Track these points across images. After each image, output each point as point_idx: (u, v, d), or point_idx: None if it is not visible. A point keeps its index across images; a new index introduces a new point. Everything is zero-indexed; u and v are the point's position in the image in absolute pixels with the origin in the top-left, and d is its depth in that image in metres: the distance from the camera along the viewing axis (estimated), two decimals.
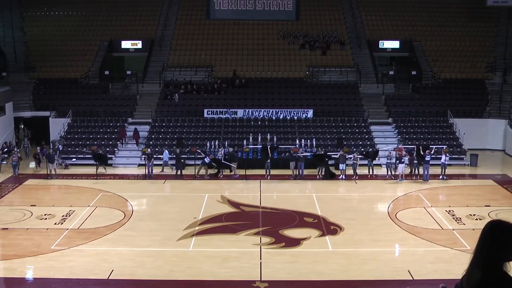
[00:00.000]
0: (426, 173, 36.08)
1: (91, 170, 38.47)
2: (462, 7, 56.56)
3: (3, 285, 21.91)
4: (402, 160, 36.39)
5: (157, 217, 29.45)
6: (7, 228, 27.51)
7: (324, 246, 25.10)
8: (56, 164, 38.29)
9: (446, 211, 29.73)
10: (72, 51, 52.37)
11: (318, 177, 37.22)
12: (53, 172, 37.42)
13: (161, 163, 38.90)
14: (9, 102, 44.94)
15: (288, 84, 49.25)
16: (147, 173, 37.26)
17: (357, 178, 36.45)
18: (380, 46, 53.41)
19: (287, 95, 47.80)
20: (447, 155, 37.29)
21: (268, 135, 41.86)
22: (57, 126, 44.37)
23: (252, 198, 32.62)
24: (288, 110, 45.25)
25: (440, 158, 37.23)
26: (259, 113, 45.13)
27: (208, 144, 40.81)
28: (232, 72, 49.98)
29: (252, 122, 44.60)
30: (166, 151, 39.11)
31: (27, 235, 26.55)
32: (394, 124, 44.55)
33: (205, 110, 45.35)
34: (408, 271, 22.23)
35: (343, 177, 36.65)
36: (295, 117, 44.93)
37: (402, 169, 36.39)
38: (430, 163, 36.27)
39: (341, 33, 54.36)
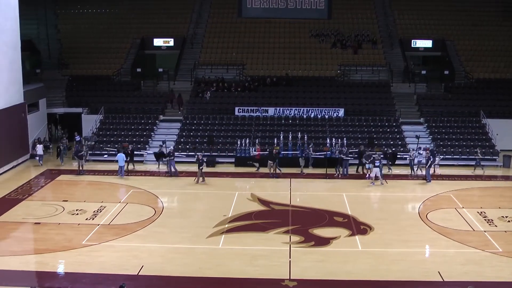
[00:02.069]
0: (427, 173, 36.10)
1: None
2: (496, 5, 55.90)
3: (35, 279, 22.21)
4: (376, 164, 35.71)
5: (187, 214, 29.58)
6: (39, 223, 27.87)
7: (354, 246, 25.02)
8: (85, 160, 38.73)
9: (477, 212, 29.41)
10: (105, 48, 52.81)
11: (337, 175, 37.12)
12: (80, 168, 37.88)
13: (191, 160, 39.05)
14: (43, 98, 45.41)
15: (320, 82, 49.11)
16: (168, 171, 37.52)
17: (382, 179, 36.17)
18: (412, 45, 52.97)
19: (318, 93, 47.66)
20: (429, 155, 36.72)
21: (299, 134, 41.76)
22: (89, 123, 44.78)
23: (282, 196, 32.57)
24: (319, 109, 45.10)
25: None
26: (290, 111, 45.05)
27: (238, 142, 40.85)
28: (265, 71, 50.02)
29: (283, 121, 44.52)
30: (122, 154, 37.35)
31: (58, 230, 26.86)
32: (426, 124, 44.16)
33: (236, 108, 45.41)
34: (438, 272, 22.06)
35: (368, 176, 36.40)
36: (326, 116, 44.78)
37: (375, 172, 35.82)
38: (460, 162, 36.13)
39: (373, 32, 54.06)
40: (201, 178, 35.53)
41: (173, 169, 37.29)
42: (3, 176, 37.05)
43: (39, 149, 40.25)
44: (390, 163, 38.21)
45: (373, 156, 36.10)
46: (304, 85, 48.79)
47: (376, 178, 35.45)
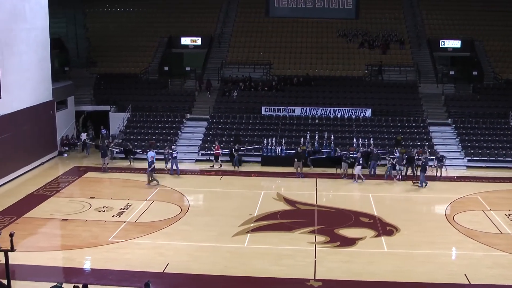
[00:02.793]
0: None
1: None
2: None
3: (62, 274, 22.41)
4: (360, 162, 35.92)
5: (213, 212, 29.66)
6: (66, 219, 28.14)
7: (380, 247, 24.92)
8: (109, 157, 39.07)
9: (506, 215, 29.09)
10: (133, 47, 53.08)
11: (342, 176, 36.98)
12: (104, 166, 38.17)
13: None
14: (71, 96, 45.81)
15: (347, 82, 48.92)
16: (170, 169, 37.62)
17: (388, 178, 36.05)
18: (440, 46, 52.51)
19: (345, 93, 47.48)
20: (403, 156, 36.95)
21: (326, 133, 41.66)
22: (117, 121, 45.09)
23: (308, 196, 32.52)
24: (346, 108, 44.92)
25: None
26: (316, 111, 44.92)
27: (265, 142, 40.86)
28: (291, 70, 49.97)
29: (309, 121, 44.43)
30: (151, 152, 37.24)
31: (85, 226, 27.09)
32: (454, 125, 43.77)
33: (263, 108, 45.40)
34: (465, 275, 21.88)
35: (400, 178, 36.26)
36: (353, 116, 44.60)
37: (358, 171, 35.93)
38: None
39: (401, 32, 53.72)
40: (155, 182, 34.77)
41: (174, 167, 37.43)
42: (32, 172, 37.45)
43: (83, 136, 42.53)
44: (443, 163, 37.67)
45: (380, 156, 36.23)
46: (331, 85, 48.63)
47: (359, 177, 35.79)
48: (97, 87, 49.39)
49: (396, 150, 38.24)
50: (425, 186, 34.68)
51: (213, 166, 39.20)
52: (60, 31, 52.51)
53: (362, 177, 35.94)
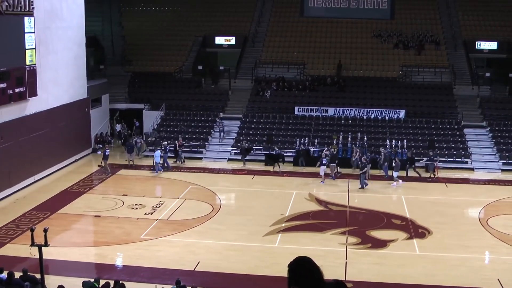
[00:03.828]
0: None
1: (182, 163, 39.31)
2: None
3: (94, 270, 22.66)
4: (324, 162, 35.68)
5: (244, 212, 29.75)
6: (99, 216, 28.44)
7: (411, 249, 24.77)
8: (136, 155, 39.83)
9: None
10: (167, 45, 53.37)
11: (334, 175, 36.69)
12: (130, 163, 38.73)
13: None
14: (106, 94, 46.24)
15: (381, 83, 48.62)
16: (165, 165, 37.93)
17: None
18: (476, 47, 51.91)
19: (379, 94, 47.21)
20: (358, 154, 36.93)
21: (359, 134, 41.48)
22: (151, 119, 45.41)
23: (340, 197, 32.44)
24: (380, 110, 44.64)
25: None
26: (350, 112, 44.72)
27: (297, 142, 40.80)
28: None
29: (342, 121, 44.27)
30: (158, 151, 38.16)
31: (118, 223, 27.36)
32: (489, 128, 43.22)
33: (296, 108, 45.34)
34: (498, 280, 21.63)
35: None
36: (387, 117, 44.32)
37: (322, 171, 35.73)
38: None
39: (436, 32, 53.23)
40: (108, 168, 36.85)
41: (166, 164, 37.73)
42: (66, 169, 37.90)
43: (118, 127, 44.00)
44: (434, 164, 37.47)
45: (367, 157, 35.97)
46: (365, 85, 48.39)
47: (326, 176, 35.85)
48: (132, 85, 49.75)
49: (330, 149, 38.45)
50: (365, 187, 34.22)
51: (176, 161, 39.52)
52: (96, 30, 53.08)
53: (327, 176, 36.03)
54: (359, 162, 35.95)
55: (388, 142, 40.55)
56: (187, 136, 42.80)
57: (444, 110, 45.08)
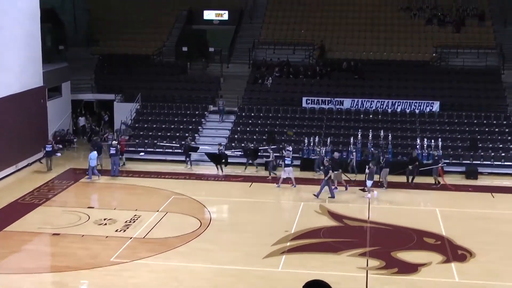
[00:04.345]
0: None
1: (162, 167, 39.16)
2: None
3: None
4: (287, 162, 36.27)
5: (240, 228, 29.66)
6: (58, 234, 28.27)
7: (449, 276, 24.67)
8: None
9: None
10: (144, 22, 53.32)
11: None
12: (98, 167, 37.99)
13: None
14: (66, 81, 46.11)
15: (409, 69, 48.60)
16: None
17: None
18: None
19: (407, 82, 47.18)
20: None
21: (382, 132, 41.40)
22: (123, 113, 45.21)
23: (358, 209, 32.38)
24: (408, 101, 44.56)
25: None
26: (371, 104, 44.70)
27: (306, 141, 40.71)
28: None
29: (361, 115, 44.22)
30: (95, 152, 37.94)
31: (82, 243, 27.21)
32: None
33: (304, 99, 45.31)
34: None
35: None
36: (417, 111, 44.25)
37: (289, 173, 36.09)
38: None
39: (480, 4, 53.16)
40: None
41: (115, 167, 37.85)
42: (17, 175, 37.80)
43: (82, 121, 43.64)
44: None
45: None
46: (389, 71, 48.36)
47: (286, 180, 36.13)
48: (99, 71, 49.72)
49: (287, 146, 38.84)
50: (317, 197, 34.14)
51: (124, 164, 39.89)
52: (53, 1, 52.89)
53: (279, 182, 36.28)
54: (321, 167, 36.58)
55: (418, 141, 40.46)
56: (168, 133, 42.71)
57: (489, 102, 45.04)
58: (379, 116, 44.16)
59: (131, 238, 27.78)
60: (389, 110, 44.51)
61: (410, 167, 36.80)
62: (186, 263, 25.43)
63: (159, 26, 53.38)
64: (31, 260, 25.73)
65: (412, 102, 44.56)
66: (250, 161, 39.63)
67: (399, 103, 44.60)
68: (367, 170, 35.05)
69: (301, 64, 49.43)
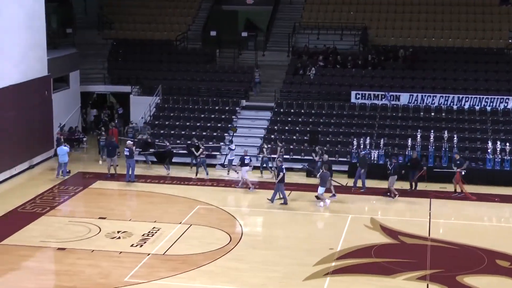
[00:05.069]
0: None
1: (186, 172, 39.24)
2: None
3: None
4: (246, 161, 36.96)
5: (276, 244, 29.61)
6: (64, 249, 28.35)
7: None
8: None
9: None
10: (165, 2, 53.47)
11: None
12: (112, 171, 38.74)
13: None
14: (75, 70, 46.27)
15: (479, 57, 48.32)
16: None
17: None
18: None
19: (477, 74, 46.92)
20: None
21: (446, 132, 41.13)
22: (141, 107, 45.37)
23: (417, 224, 32.17)
24: (478, 96, 44.33)
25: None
26: (432, 99, 44.51)
27: (355, 142, 40.53)
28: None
29: (421, 113, 44.04)
30: (65, 147, 38.97)
31: (91, 259, 27.28)
32: None
33: (353, 93, 45.29)
34: None
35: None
36: (488, 107, 43.99)
37: (245, 174, 36.86)
38: None
39: None
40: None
41: (131, 172, 38.22)
42: (16, 179, 38.03)
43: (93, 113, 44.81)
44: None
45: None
46: (455, 60, 48.10)
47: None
48: (113, 58, 49.90)
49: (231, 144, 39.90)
50: (271, 202, 34.62)
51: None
52: None
53: (251, 186, 37.00)
54: (274, 166, 37.38)
55: (490, 144, 40.09)
56: (193, 132, 42.74)
57: None
58: (443, 114, 43.98)
59: (148, 254, 27.82)
60: (455, 107, 44.32)
61: (408, 171, 37.20)
62: (212, 284, 25.40)
63: (183, 7, 53.57)
64: (32, 279, 25.85)
65: (483, 98, 44.32)
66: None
67: (466, 99, 44.38)
68: (318, 176, 35.50)
69: (350, 52, 49.35)
